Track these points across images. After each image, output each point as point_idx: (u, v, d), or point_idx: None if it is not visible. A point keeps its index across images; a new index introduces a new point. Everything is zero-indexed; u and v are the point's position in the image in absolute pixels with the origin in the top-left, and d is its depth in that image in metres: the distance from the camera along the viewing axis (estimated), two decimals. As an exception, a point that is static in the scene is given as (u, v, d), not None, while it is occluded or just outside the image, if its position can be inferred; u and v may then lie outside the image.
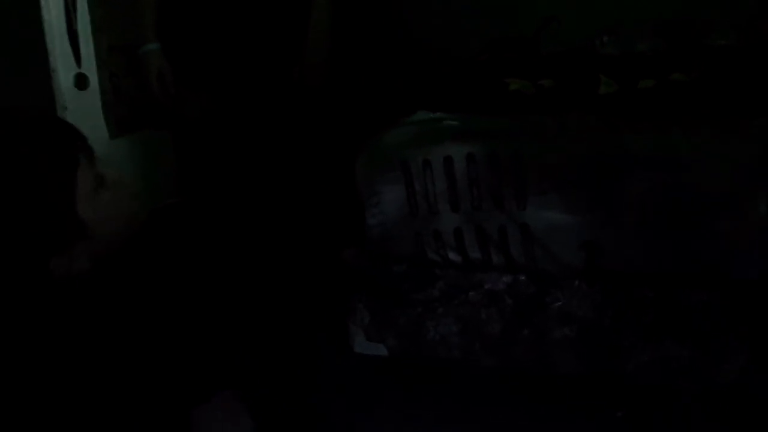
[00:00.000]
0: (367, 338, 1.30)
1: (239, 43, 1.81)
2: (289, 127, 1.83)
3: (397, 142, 1.31)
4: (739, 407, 1.13)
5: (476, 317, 1.21)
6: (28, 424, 0.71)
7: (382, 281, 1.29)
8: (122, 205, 0.83)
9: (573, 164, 1.15)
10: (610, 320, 1.14)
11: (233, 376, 1.14)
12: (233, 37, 1.81)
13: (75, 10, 2.03)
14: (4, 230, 0.68)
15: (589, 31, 1.78)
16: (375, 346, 1.29)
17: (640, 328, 1.12)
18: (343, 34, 1.89)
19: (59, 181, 0.71)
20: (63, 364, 0.75)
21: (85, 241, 0.76)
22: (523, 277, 1.19)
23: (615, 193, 1.13)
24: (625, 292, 1.13)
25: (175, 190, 2.23)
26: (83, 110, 2.09)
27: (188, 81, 1.87)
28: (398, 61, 2.09)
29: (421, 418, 1.18)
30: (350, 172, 1.33)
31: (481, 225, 1.22)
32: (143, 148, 2.23)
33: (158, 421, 0.86)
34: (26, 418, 0.71)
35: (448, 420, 1.16)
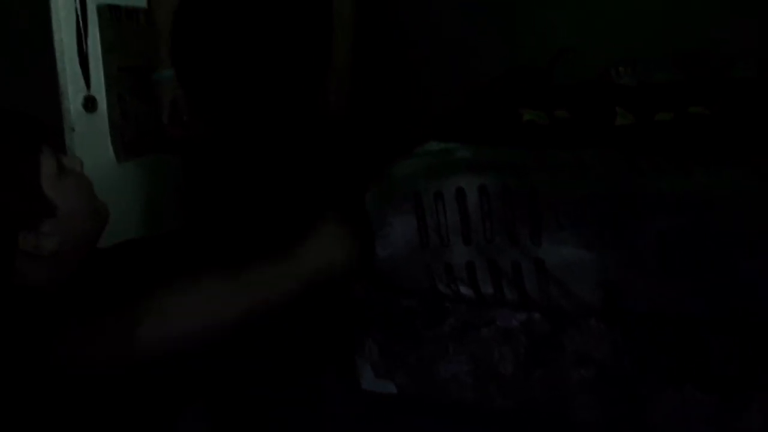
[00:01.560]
0: (376, 375, 1.25)
1: (259, 68, 1.79)
2: (304, 156, 1.80)
3: (409, 172, 1.28)
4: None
5: (489, 356, 1.17)
6: None
7: (392, 315, 1.25)
8: (86, 193, 0.90)
9: (590, 200, 1.11)
10: (630, 363, 1.09)
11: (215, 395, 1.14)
12: (253, 63, 1.79)
13: (86, 32, 2.03)
14: None
15: (605, 62, 1.76)
16: (384, 383, 1.25)
17: (661, 373, 1.08)
18: (361, 63, 1.88)
19: (25, 161, 0.80)
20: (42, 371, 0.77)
21: (52, 219, 0.83)
22: (537, 315, 1.15)
23: (634, 231, 1.09)
24: (646, 334, 1.09)
25: (182, 216, 2.21)
26: (91, 133, 2.08)
27: (203, 108, 1.85)
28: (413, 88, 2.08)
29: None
30: (360, 201, 1.30)
31: (494, 259, 1.18)
32: (151, 172, 2.22)
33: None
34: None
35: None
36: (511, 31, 1.95)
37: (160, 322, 0.83)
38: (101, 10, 2.05)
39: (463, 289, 1.20)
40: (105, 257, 1.02)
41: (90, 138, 2.09)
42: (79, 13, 2.00)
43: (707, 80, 1.53)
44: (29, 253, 0.80)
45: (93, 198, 0.91)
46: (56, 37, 2.02)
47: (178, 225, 2.24)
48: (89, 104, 2.10)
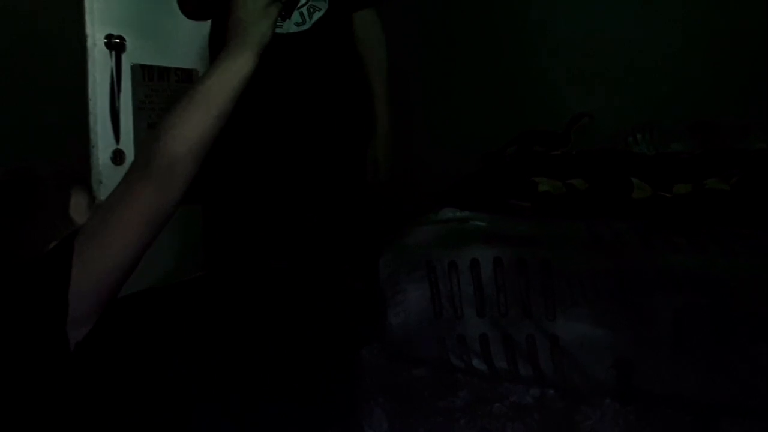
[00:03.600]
0: (385, 445, 1.24)
1: (300, 137, 1.79)
2: (337, 220, 1.81)
3: (423, 240, 1.29)
4: None
5: (501, 431, 1.15)
6: None
7: (402, 384, 1.24)
8: None
9: (605, 276, 1.11)
10: (645, 445, 1.07)
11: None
12: (293, 130, 1.79)
13: (119, 91, 2.11)
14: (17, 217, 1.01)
15: (619, 126, 1.77)
16: (392, 456, 1.23)
17: (677, 457, 1.05)
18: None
19: (57, 191, 1.04)
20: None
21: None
22: (551, 392, 1.13)
23: (649, 309, 1.08)
24: (660, 416, 1.06)
25: (203, 264, 2.24)
26: (118, 186, 2.14)
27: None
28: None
29: None
30: (374, 268, 1.31)
31: (508, 332, 1.17)
32: (173, 223, 2.26)
33: None
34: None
35: None
36: (525, 95, 1.98)
37: None
38: (135, 69, 2.14)
39: (476, 362, 1.19)
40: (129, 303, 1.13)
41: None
42: (114, 72, 2.08)
43: (724, 151, 1.53)
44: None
45: None
46: (91, 93, 2.11)
47: (199, 273, 2.27)
48: (117, 158, 2.17)
